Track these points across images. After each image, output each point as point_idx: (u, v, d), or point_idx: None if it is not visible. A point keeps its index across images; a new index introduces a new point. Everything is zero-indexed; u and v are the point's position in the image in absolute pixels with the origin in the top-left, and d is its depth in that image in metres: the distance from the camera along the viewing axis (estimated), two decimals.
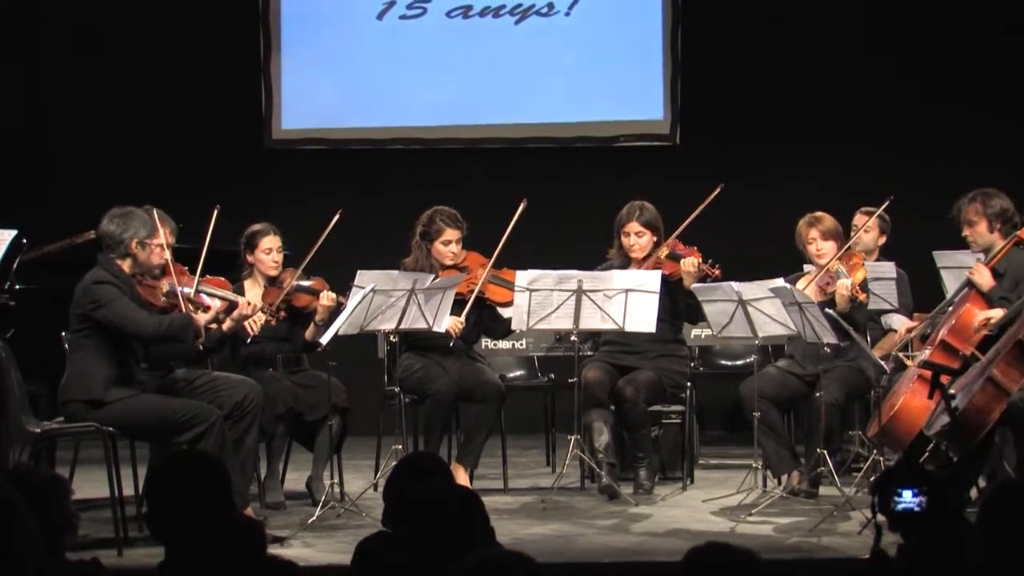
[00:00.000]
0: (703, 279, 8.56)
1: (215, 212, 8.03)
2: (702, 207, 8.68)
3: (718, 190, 8.69)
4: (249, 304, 7.99)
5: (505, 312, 8.73)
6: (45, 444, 7.74)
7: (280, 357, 8.47)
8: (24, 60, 11.78)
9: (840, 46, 11.73)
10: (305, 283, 8.42)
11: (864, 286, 8.39)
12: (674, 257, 8.69)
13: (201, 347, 7.78)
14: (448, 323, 8.41)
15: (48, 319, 8.10)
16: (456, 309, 8.48)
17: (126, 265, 7.47)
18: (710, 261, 8.59)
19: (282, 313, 8.29)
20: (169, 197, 8.41)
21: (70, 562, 4.47)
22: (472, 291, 8.63)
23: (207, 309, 7.69)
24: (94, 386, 7.35)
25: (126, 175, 11.03)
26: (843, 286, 8.27)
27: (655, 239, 8.79)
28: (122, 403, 7.37)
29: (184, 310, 7.53)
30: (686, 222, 8.73)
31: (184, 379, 7.79)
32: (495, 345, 9.64)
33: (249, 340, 8.28)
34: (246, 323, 8.09)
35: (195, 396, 7.65)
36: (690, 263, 8.56)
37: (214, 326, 7.91)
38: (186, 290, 7.72)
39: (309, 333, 8.40)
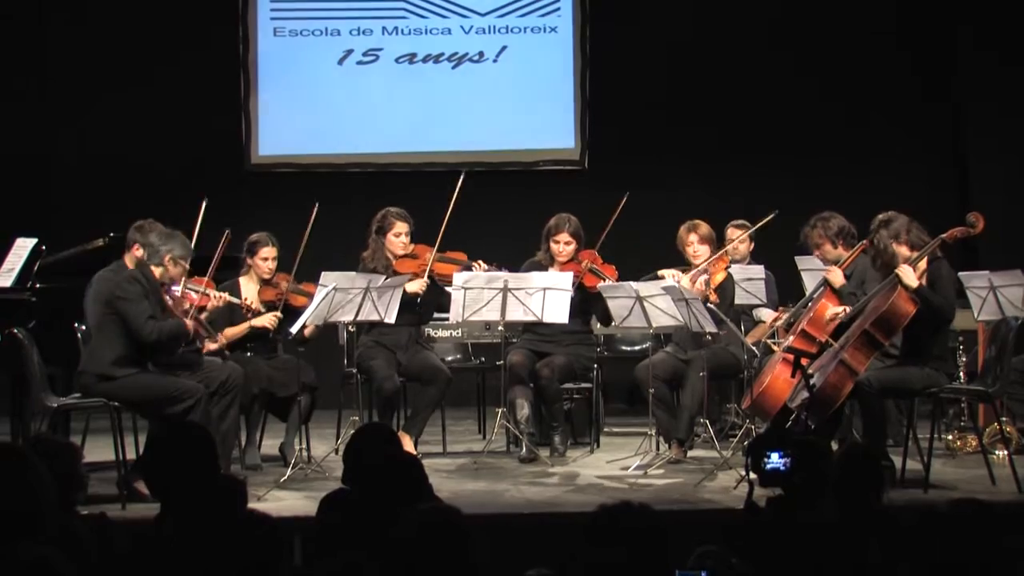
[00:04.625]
0: None
1: (226, 235, 7.97)
2: (614, 217, 8.63)
3: (624, 199, 8.66)
4: (218, 297, 7.97)
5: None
6: (61, 416, 7.67)
7: (257, 345, 8.42)
8: (41, 96, 11.66)
9: (723, 92, 11.80)
10: (301, 288, 8.43)
11: (719, 288, 8.46)
12: (595, 273, 8.71)
13: (198, 351, 7.74)
14: (416, 286, 8.49)
15: (62, 313, 8.04)
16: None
17: (157, 272, 7.43)
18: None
19: (261, 306, 8.31)
20: (163, 210, 8.32)
21: (81, 515, 4.44)
22: (424, 269, 8.63)
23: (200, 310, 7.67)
24: (105, 363, 7.31)
25: (129, 192, 10.93)
26: (701, 282, 8.41)
27: (577, 247, 8.80)
28: (127, 379, 7.32)
29: (190, 323, 7.49)
30: (603, 234, 8.72)
31: None
32: (437, 333, 9.61)
33: (271, 335, 8.33)
34: (266, 324, 8.23)
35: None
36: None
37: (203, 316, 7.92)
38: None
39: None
